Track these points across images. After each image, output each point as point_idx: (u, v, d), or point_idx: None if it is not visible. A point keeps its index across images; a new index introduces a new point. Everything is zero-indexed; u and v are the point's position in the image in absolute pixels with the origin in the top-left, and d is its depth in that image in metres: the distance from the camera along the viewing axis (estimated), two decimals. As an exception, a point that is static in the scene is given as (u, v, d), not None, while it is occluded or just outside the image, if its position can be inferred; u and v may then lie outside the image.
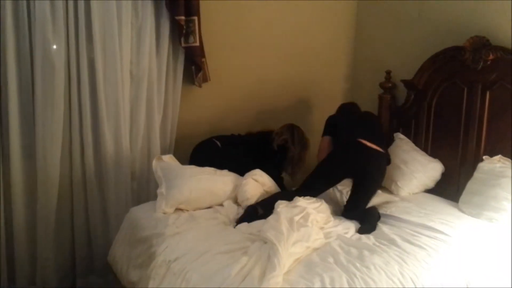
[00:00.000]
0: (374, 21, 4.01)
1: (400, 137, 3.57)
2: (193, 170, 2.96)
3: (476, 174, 2.97)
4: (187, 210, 2.80)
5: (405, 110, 3.63)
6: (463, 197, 2.98)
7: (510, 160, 2.88)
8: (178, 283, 2.13)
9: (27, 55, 2.81)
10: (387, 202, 3.06)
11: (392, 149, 3.49)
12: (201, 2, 3.18)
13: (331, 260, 2.19)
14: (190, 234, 2.46)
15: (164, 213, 2.72)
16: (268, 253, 2.11)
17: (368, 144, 2.99)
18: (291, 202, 2.63)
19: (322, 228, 2.54)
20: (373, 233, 2.60)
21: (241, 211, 2.78)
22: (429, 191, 3.32)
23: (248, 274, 2.00)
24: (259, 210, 2.70)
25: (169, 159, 3.03)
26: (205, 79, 3.35)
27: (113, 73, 3.01)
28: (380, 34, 3.95)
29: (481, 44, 3.05)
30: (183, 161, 3.22)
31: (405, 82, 3.58)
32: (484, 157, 2.99)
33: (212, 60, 3.37)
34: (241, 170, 3.05)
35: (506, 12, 2.98)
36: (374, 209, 2.87)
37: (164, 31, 3.16)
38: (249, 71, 3.72)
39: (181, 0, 3.05)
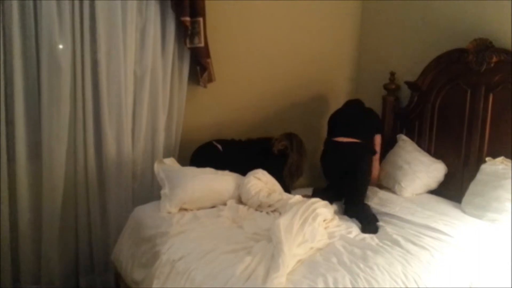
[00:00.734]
0: (379, 23, 4.01)
1: (403, 139, 3.58)
2: (194, 170, 3.00)
3: (478, 176, 2.98)
4: (191, 210, 2.82)
5: (409, 112, 3.64)
6: (466, 198, 2.99)
7: (512, 161, 2.89)
8: (183, 282, 2.14)
9: (33, 55, 2.83)
10: (390, 203, 3.07)
11: (395, 150, 3.52)
12: (206, 3, 3.20)
13: (334, 260, 2.19)
14: (194, 234, 2.47)
15: (169, 213, 2.74)
16: (272, 253, 2.12)
17: (343, 140, 3.19)
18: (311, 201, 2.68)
19: (326, 227, 2.56)
20: (377, 233, 2.61)
21: (245, 210, 2.80)
22: (432, 192, 3.33)
23: (252, 274, 2.01)
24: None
25: (171, 162, 3.06)
26: (210, 80, 3.36)
27: (116, 73, 3.03)
28: (384, 36, 3.95)
29: (484, 46, 3.06)
30: (187, 162, 3.24)
31: (409, 84, 3.59)
32: (486, 158, 3.00)
33: (217, 61, 3.38)
34: (241, 174, 3.06)
35: (509, 15, 2.99)
36: (371, 209, 2.94)
37: (169, 32, 3.18)
38: (254, 72, 3.73)
39: (187, 1, 3.07)
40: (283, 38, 3.81)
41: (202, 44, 3.20)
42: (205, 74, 3.31)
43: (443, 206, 3.05)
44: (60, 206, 3.02)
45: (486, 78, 3.08)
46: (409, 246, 2.40)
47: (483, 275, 2.31)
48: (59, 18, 2.81)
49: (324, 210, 2.63)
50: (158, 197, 2.89)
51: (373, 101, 3.91)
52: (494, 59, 3.01)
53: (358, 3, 4.15)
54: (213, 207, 2.88)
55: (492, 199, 2.81)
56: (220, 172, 3.02)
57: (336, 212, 2.86)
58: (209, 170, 3.01)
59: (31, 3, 2.76)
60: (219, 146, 3.26)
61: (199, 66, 3.29)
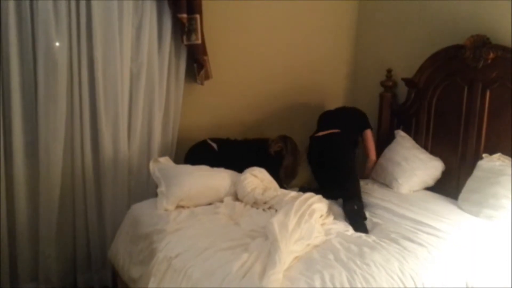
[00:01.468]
0: (375, 20, 4.01)
1: (401, 135, 3.58)
2: (190, 168, 3.01)
3: (475, 172, 2.98)
4: (188, 207, 2.82)
5: (406, 108, 3.64)
6: (463, 195, 2.99)
7: (509, 158, 2.89)
8: (180, 279, 2.14)
9: (29, 52, 2.82)
10: (387, 199, 3.08)
11: (393, 146, 3.52)
12: (203, 2, 3.19)
13: (331, 257, 2.20)
14: (191, 231, 2.47)
15: (166, 210, 2.74)
16: (268, 250, 2.12)
17: (322, 133, 3.27)
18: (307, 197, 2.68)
19: (323, 224, 2.56)
20: (374, 230, 2.61)
21: (242, 207, 2.80)
22: (429, 188, 3.34)
23: (249, 271, 2.01)
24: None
25: (165, 160, 3.06)
26: (207, 77, 3.36)
27: (113, 71, 3.03)
28: (381, 33, 3.95)
29: (481, 43, 3.06)
30: (183, 158, 3.24)
31: (406, 81, 3.59)
32: (483, 155, 3.00)
33: (214, 58, 3.37)
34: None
35: (507, 11, 2.99)
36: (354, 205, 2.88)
37: (166, 29, 3.18)
38: (250, 70, 3.73)
39: (183, -2, 3.07)
40: (280, 36, 3.81)
41: (199, 41, 3.20)
42: (202, 72, 3.31)
43: (440, 202, 3.06)
44: (57, 203, 3.01)
45: (483, 74, 3.08)
46: (406, 243, 2.40)
47: (480, 271, 2.31)
48: (55, 16, 2.80)
49: (319, 205, 2.63)
50: (154, 194, 2.89)
51: (370, 98, 3.93)
52: (491, 55, 3.01)
53: (355, 1, 4.14)
54: (209, 204, 2.88)
55: (489, 195, 2.81)
56: (215, 169, 3.03)
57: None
58: (204, 168, 3.01)
59: (27, 2, 2.75)
60: (214, 145, 3.26)
61: (196, 63, 3.29)
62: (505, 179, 2.79)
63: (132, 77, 3.17)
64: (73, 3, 2.85)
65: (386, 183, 3.38)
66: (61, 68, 2.87)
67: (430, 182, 3.32)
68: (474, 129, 3.14)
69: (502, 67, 2.98)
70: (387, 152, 3.53)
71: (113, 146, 3.15)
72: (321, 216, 2.61)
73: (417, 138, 3.54)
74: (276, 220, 2.30)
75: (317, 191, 2.89)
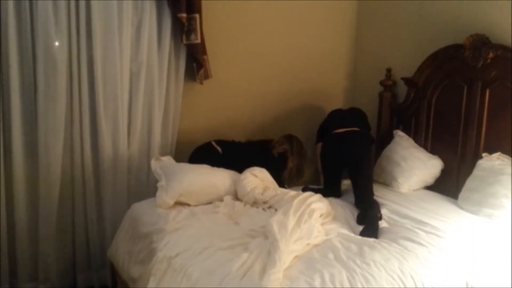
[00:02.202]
0: (375, 19, 4.01)
1: (399, 134, 3.58)
2: (191, 166, 3.03)
3: (475, 171, 2.98)
4: (188, 205, 2.82)
5: (406, 108, 3.64)
6: (462, 194, 2.99)
7: (509, 157, 2.89)
8: (179, 279, 2.14)
9: (29, 51, 2.82)
10: (387, 199, 3.08)
11: (391, 146, 3.52)
12: (203, 1, 3.18)
13: (331, 256, 2.20)
14: (190, 230, 2.47)
15: (165, 203, 2.74)
16: (268, 249, 2.12)
17: (342, 130, 3.24)
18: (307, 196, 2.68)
19: (323, 224, 2.56)
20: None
21: (241, 206, 2.79)
22: (429, 187, 3.34)
23: (248, 270, 2.01)
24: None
25: (167, 159, 3.06)
26: (207, 76, 3.36)
27: (112, 70, 3.02)
28: (381, 32, 3.95)
29: (481, 42, 3.06)
30: (183, 159, 3.24)
31: (406, 80, 3.59)
32: (483, 154, 3.00)
33: (213, 58, 3.37)
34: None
35: (506, 10, 2.98)
36: (375, 210, 2.81)
37: (165, 29, 3.17)
38: (250, 70, 3.72)
39: (183, -3, 3.07)
40: (279, 35, 3.80)
41: (199, 41, 3.20)
42: (202, 71, 3.31)
43: (440, 202, 3.06)
44: (56, 202, 3.01)
45: (482, 74, 3.08)
46: (406, 242, 2.40)
47: (480, 271, 2.31)
48: (55, 15, 2.80)
49: (319, 204, 2.63)
50: (154, 194, 2.88)
51: (370, 97, 3.92)
52: (491, 54, 3.01)
53: (355, 1, 4.13)
54: (209, 203, 2.88)
55: (488, 194, 2.81)
56: (216, 168, 3.03)
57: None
58: (205, 166, 3.02)
59: (27, 1, 2.74)
60: (218, 148, 3.26)
61: (195, 63, 3.29)
62: (504, 178, 2.79)
63: (131, 77, 3.16)
64: (72, 3, 2.85)
65: (386, 183, 3.38)
66: (61, 67, 2.86)
67: (430, 181, 3.32)
68: (474, 129, 3.14)
69: (501, 67, 2.97)
70: (386, 152, 3.53)
71: (113, 145, 3.14)
72: (321, 215, 2.61)
73: (416, 138, 3.54)
74: (275, 220, 2.30)
75: (320, 191, 2.90)
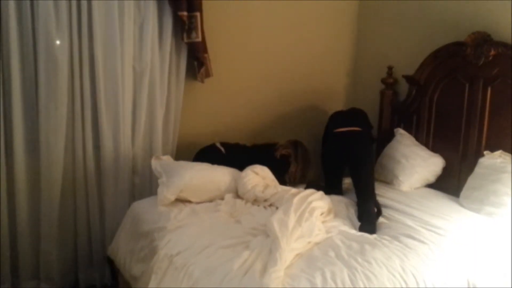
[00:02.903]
0: (376, 17, 4.00)
1: (400, 132, 3.57)
2: (191, 163, 3.06)
3: (477, 169, 2.98)
4: (189, 202, 2.83)
5: (407, 106, 3.63)
6: (464, 192, 2.99)
7: (510, 155, 2.89)
8: (181, 277, 2.14)
9: (30, 50, 2.82)
10: (388, 197, 3.07)
11: (393, 144, 3.52)
12: (203, 1, 3.19)
13: (332, 254, 2.20)
14: (192, 228, 2.47)
15: (166, 199, 2.74)
16: (269, 247, 2.12)
17: (343, 129, 3.25)
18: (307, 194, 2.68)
19: (324, 221, 2.56)
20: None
21: (242, 205, 2.79)
22: (430, 185, 3.34)
23: (249, 268, 2.01)
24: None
25: (167, 158, 3.07)
26: (208, 75, 3.35)
27: (113, 68, 3.02)
28: (382, 30, 3.94)
29: (482, 40, 3.05)
30: (184, 157, 3.24)
31: (407, 78, 3.59)
32: (485, 152, 3.00)
33: (214, 56, 3.37)
34: None
35: (508, 8, 2.98)
36: (372, 205, 2.84)
37: (166, 27, 3.17)
38: (251, 69, 3.72)
39: (184, -5, 3.06)
40: (280, 34, 3.79)
41: (200, 39, 3.20)
42: (203, 69, 3.31)
43: (441, 200, 3.06)
44: (58, 201, 3.01)
45: (484, 71, 3.07)
46: (407, 240, 2.40)
47: (481, 269, 2.31)
48: (56, 14, 2.80)
49: (320, 203, 2.63)
50: (156, 192, 2.89)
51: (371, 95, 3.92)
52: (493, 52, 3.01)
53: (355, 0, 4.13)
54: (210, 201, 2.88)
55: (490, 193, 2.81)
56: (216, 166, 3.04)
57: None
58: (206, 164, 3.03)
59: (27, 0, 2.74)
60: (222, 149, 3.26)
61: (196, 61, 3.28)
62: (506, 177, 2.78)
63: (135, 76, 3.16)
64: (73, 1, 2.85)
65: (387, 181, 3.38)
66: (62, 66, 2.86)
67: (431, 178, 3.32)
68: (475, 127, 3.13)
69: (503, 64, 2.97)
70: (387, 150, 3.53)
71: (114, 144, 3.14)
72: (322, 213, 2.61)
73: (418, 136, 3.53)
74: (276, 219, 2.30)
75: (322, 188, 2.90)
